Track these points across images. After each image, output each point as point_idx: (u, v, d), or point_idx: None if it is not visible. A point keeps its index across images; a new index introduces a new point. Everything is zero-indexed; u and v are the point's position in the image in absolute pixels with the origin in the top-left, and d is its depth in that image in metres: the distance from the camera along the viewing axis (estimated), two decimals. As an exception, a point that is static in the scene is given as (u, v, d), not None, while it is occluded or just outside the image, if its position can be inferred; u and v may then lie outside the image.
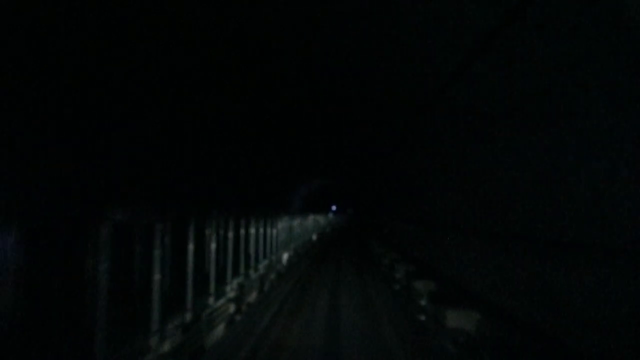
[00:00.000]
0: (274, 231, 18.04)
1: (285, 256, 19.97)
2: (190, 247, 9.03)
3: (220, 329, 10.01)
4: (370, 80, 9.74)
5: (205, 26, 6.68)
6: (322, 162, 24.02)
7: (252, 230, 14.35)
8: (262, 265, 15.48)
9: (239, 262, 12.86)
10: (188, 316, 8.65)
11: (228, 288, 11.31)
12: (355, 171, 29.33)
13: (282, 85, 10.10)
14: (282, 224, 20.30)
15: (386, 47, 7.69)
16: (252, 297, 13.14)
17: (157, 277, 7.46)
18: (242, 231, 13.06)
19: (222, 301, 10.56)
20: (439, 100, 8.87)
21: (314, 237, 32.36)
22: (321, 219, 39.76)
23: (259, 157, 16.21)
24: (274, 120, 12.70)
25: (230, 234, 11.98)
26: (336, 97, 11.29)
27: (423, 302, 11.80)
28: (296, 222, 24.63)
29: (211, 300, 10.19)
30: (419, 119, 10.70)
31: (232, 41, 7.36)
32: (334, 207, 55.83)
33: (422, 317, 11.39)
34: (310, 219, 31.50)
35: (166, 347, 7.43)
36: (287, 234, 21.57)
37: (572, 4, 4.44)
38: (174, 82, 7.53)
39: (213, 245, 10.53)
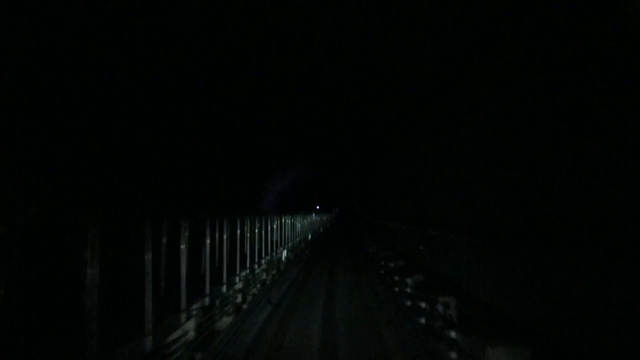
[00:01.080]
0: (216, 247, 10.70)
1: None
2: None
3: None
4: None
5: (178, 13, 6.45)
6: (304, 149, 21.22)
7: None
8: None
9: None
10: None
11: None
12: (346, 163, 26.22)
13: (259, 60, 8.99)
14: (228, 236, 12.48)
15: (386, 29, 7.40)
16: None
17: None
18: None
19: None
20: (440, 93, 8.79)
21: (287, 254, 24.21)
22: (300, 223, 32.10)
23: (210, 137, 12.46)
24: (244, 97, 11.00)
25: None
26: (319, 74, 10.27)
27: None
28: (253, 228, 16.22)
29: None
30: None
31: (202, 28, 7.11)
32: (317, 207, 50.33)
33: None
34: (284, 224, 24.06)
35: None
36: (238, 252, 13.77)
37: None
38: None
39: None
